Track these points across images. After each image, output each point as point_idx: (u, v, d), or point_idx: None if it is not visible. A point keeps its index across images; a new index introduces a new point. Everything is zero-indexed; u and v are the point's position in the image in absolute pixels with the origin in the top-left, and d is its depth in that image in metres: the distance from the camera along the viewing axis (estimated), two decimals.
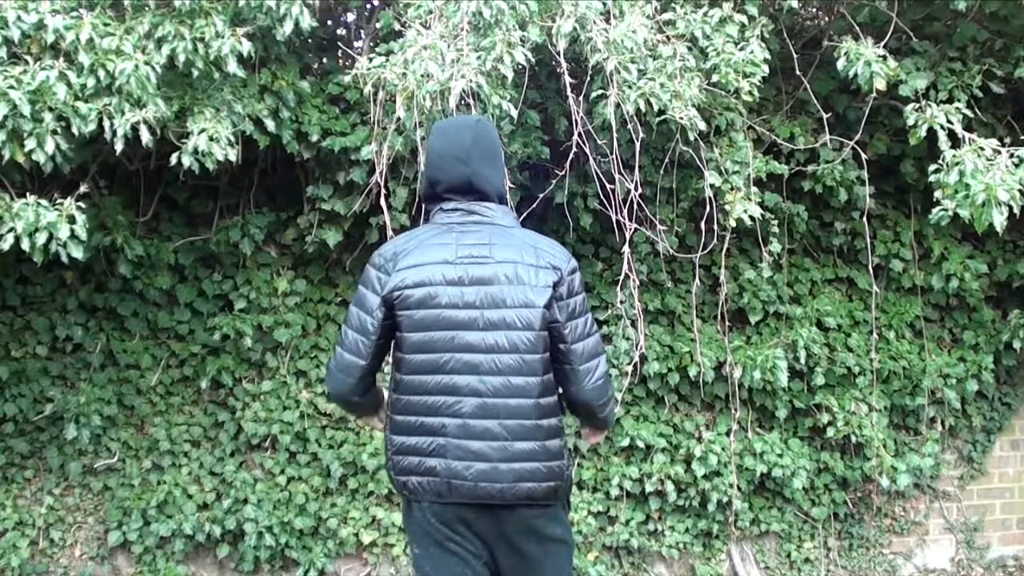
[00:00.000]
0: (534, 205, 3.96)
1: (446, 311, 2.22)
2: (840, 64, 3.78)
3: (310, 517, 4.41)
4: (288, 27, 3.39)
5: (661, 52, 3.58)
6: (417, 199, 3.74)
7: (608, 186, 3.66)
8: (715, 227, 3.98)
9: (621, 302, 4.26)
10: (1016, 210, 3.45)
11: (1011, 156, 3.53)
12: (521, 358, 2.22)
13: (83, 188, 3.43)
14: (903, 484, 4.64)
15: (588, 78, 3.59)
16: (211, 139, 3.35)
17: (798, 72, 4.09)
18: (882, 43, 3.85)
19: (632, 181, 3.60)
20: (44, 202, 3.20)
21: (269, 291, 4.46)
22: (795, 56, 4.04)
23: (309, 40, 4.09)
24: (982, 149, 3.58)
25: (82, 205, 3.28)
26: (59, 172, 3.40)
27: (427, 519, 2.27)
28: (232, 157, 3.43)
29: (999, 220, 3.42)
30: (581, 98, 3.51)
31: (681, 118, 3.53)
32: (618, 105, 3.44)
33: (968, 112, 3.84)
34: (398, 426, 2.30)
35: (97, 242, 4.03)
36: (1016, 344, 4.73)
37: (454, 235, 2.27)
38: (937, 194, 3.65)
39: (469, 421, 2.21)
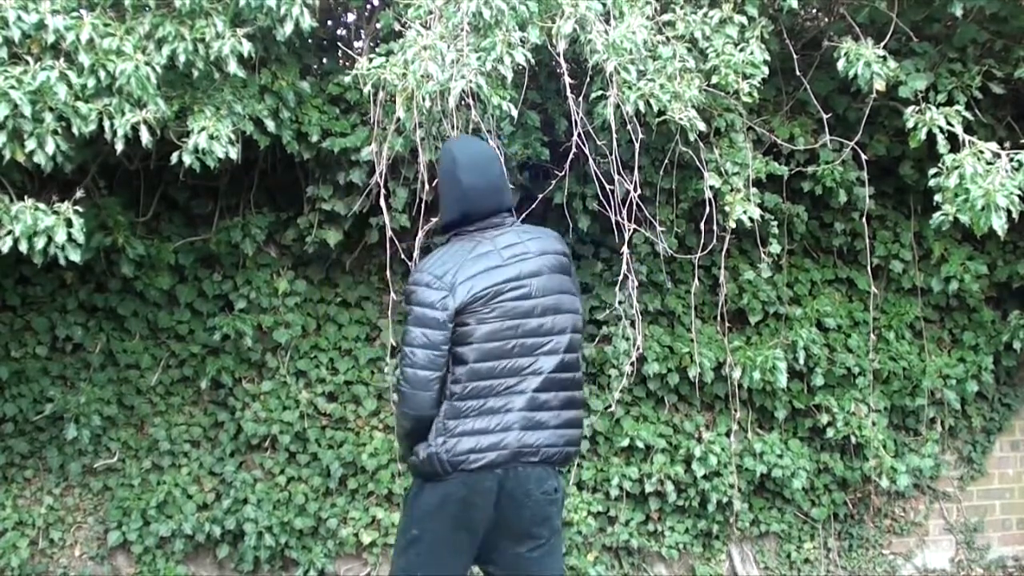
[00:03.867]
0: (533, 205, 3.95)
1: (511, 304, 2.56)
2: (840, 65, 3.78)
3: (310, 517, 4.41)
4: (288, 27, 3.39)
5: (661, 53, 3.57)
6: (419, 204, 3.74)
7: (607, 187, 3.66)
8: (715, 228, 3.98)
9: (620, 302, 4.26)
10: (1015, 215, 3.45)
11: (1011, 160, 3.53)
12: (569, 338, 2.65)
13: (79, 192, 3.43)
14: (903, 485, 4.64)
15: (588, 79, 3.59)
16: (211, 137, 3.35)
17: (798, 73, 4.09)
18: (882, 44, 3.85)
19: (632, 182, 3.60)
20: (42, 205, 3.20)
21: (269, 291, 4.46)
22: (795, 57, 4.04)
23: (309, 40, 4.09)
24: (981, 152, 3.57)
25: (79, 208, 3.28)
26: (59, 172, 3.40)
27: (459, 492, 2.55)
28: (233, 155, 3.43)
29: (998, 225, 3.42)
30: (581, 99, 3.51)
31: (681, 119, 3.53)
32: (618, 106, 3.44)
33: (968, 114, 3.84)
34: (459, 412, 2.55)
35: (97, 242, 4.04)
36: (1016, 345, 4.73)
37: (488, 242, 2.63)
38: (937, 198, 3.65)
39: (535, 395, 2.58)
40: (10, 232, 3.15)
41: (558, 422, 2.62)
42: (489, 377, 2.55)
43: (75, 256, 3.21)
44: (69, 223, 3.21)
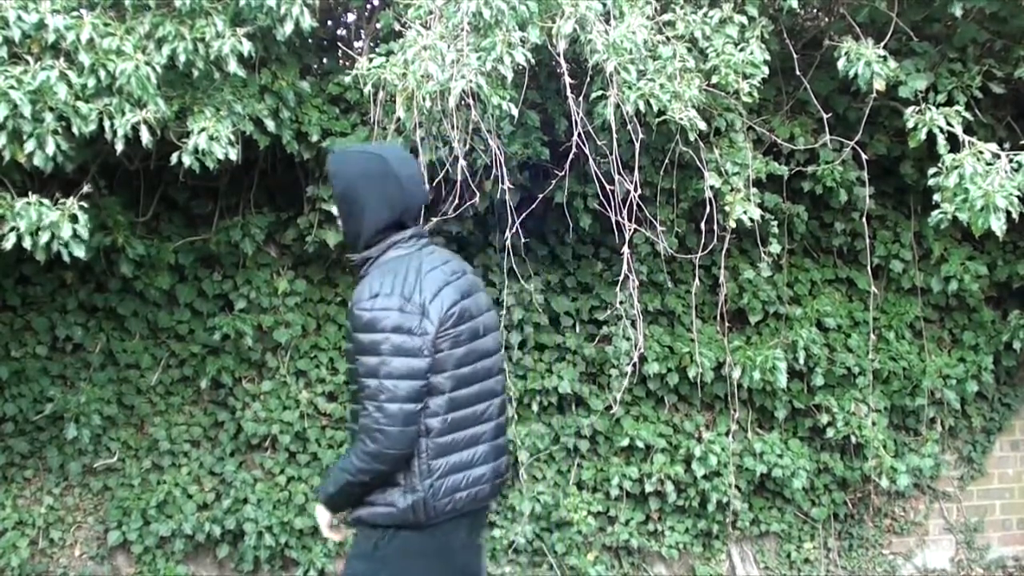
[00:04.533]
0: (534, 205, 3.96)
1: (469, 324, 2.38)
2: (840, 64, 3.78)
3: (310, 517, 4.40)
4: (288, 27, 3.39)
5: (661, 53, 3.57)
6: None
7: (608, 187, 3.65)
8: (715, 228, 3.97)
9: (621, 302, 4.26)
10: (1015, 215, 3.45)
11: (1010, 161, 3.53)
12: (499, 356, 2.52)
13: (86, 187, 3.43)
14: (903, 485, 4.64)
15: (588, 79, 3.58)
16: (211, 138, 3.35)
17: (798, 73, 4.09)
18: (882, 44, 3.85)
19: (632, 182, 3.60)
20: (46, 201, 3.20)
21: (269, 291, 4.46)
22: (795, 57, 4.03)
23: (309, 40, 4.09)
24: (981, 153, 3.57)
25: (84, 204, 3.29)
26: (60, 172, 3.40)
27: (451, 537, 2.38)
28: (232, 156, 3.43)
29: (997, 225, 3.42)
30: (581, 99, 3.51)
31: (681, 119, 3.53)
32: (618, 106, 3.44)
33: (968, 114, 3.84)
34: (443, 448, 2.34)
35: (97, 242, 4.03)
36: (1016, 345, 4.73)
37: (428, 257, 2.42)
38: (936, 197, 3.65)
39: (495, 422, 2.46)
40: (14, 228, 3.15)
41: (504, 448, 2.51)
42: (466, 406, 2.37)
43: (80, 252, 3.21)
44: (74, 219, 3.21)
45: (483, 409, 2.40)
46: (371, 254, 2.38)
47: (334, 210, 4.15)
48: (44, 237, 3.16)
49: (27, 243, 3.15)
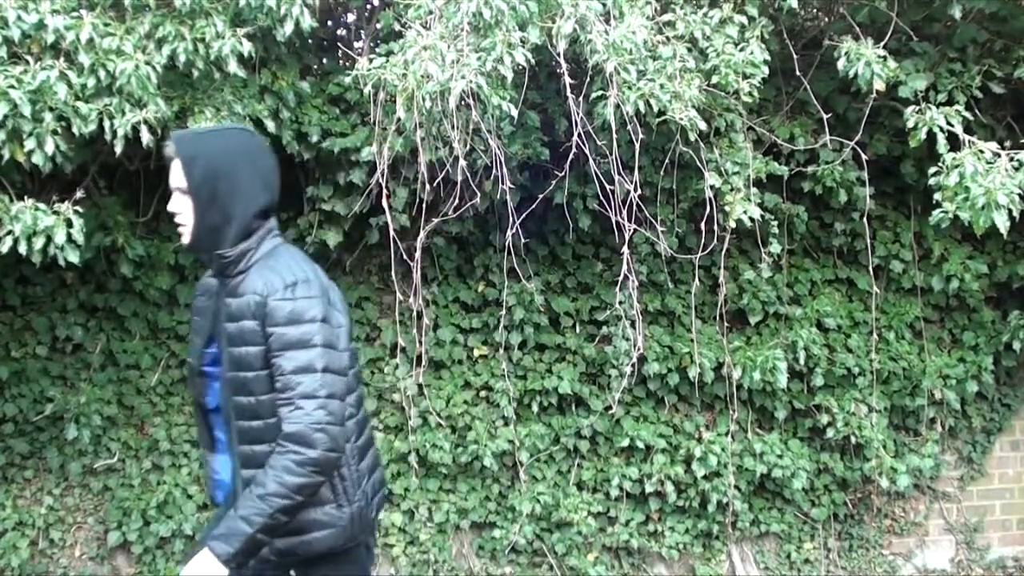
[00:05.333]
0: (534, 205, 3.96)
1: (346, 320, 2.22)
2: (840, 64, 3.78)
3: None
4: (288, 27, 3.39)
5: (661, 53, 3.58)
6: (419, 204, 3.74)
7: (608, 187, 3.66)
8: (715, 228, 3.98)
9: (620, 303, 4.26)
10: (1016, 213, 3.45)
11: (1011, 160, 3.53)
12: None
13: (79, 192, 3.43)
14: (903, 485, 4.64)
15: (588, 79, 3.59)
16: None
17: (798, 73, 4.09)
18: (882, 44, 3.85)
19: (632, 182, 3.60)
20: (42, 206, 3.20)
21: None
22: (795, 57, 4.04)
23: (309, 40, 4.09)
24: (982, 152, 3.57)
25: (79, 209, 3.28)
26: (59, 172, 3.40)
27: (371, 553, 2.27)
28: None
29: (1001, 222, 3.42)
30: (581, 99, 3.51)
31: (681, 119, 3.53)
32: (618, 106, 3.44)
33: (968, 114, 3.84)
34: (361, 451, 2.20)
35: (97, 242, 4.04)
36: (1016, 345, 4.73)
37: (296, 249, 2.24)
38: (937, 196, 3.65)
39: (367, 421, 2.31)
40: (10, 232, 3.15)
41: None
42: (360, 406, 2.23)
43: (74, 257, 3.21)
44: (69, 223, 3.22)
45: (365, 411, 2.28)
46: (250, 245, 2.10)
47: (339, 209, 4.19)
48: (39, 242, 3.16)
49: (22, 247, 3.15)
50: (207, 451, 2.30)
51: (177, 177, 2.06)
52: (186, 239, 2.12)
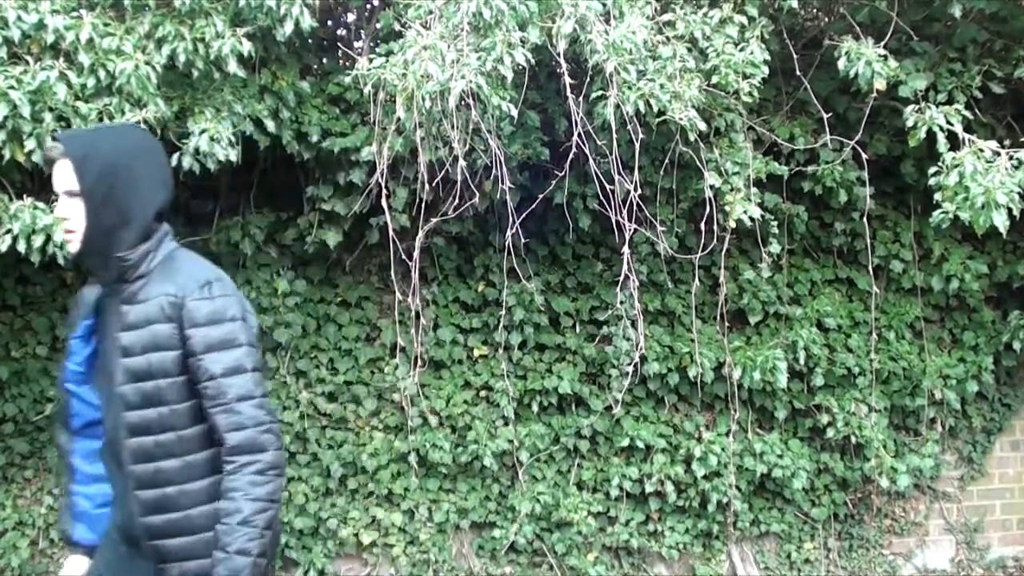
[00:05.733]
0: (534, 205, 3.96)
1: None
2: (841, 64, 3.78)
3: (310, 517, 4.41)
4: (288, 27, 3.39)
5: (661, 53, 3.58)
6: (419, 204, 3.74)
7: (608, 187, 3.65)
8: (715, 228, 3.97)
9: (621, 303, 4.26)
10: (1016, 212, 3.45)
11: (1011, 159, 3.53)
12: None
13: None
14: (903, 485, 4.64)
15: (588, 79, 3.59)
16: (212, 139, 3.35)
17: (798, 72, 4.09)
18: (882, 43, 3.85)
19: (632, 182, 3.60)
20: (41, 204, 3.20)
21: (269, 291, 4.45)
22: (795, 56, 4.03)
23: (309, 40, 4.09)
24: (981, 151, 3.57)
25: None
26: None
27: None
28: (233, 157, 3.43)
29: (1000, 221, 3.42)
30: (581, 99, 3.51)
31: (681, 119, 3.53)
32: (618, 106, 3.44)
33: (967, 113, 3.84)
34: None
35: None
36: (1016, 345, 4.72)
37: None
38: (937, 196, 3.65)
39: None
40: (9, 231, 3.15)
41: None
42: None
43: None
44: None
45: None
46: (150, 248, 1.95)
47: (339, 209, 4.17)
48: (38, 240, 3.16)
49: (21, 246, 3.15)
50: (68, 481, 2.13)
51: (66, 179, 1.90)
52: (74, 246, 1.93)
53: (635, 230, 3.79)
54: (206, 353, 1.86)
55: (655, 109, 3.48)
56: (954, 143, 3.70)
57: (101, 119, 3.21)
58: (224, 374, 1.86)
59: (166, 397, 1.88)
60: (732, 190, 3.98)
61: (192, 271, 1.94)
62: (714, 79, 3.67)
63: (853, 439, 4.60)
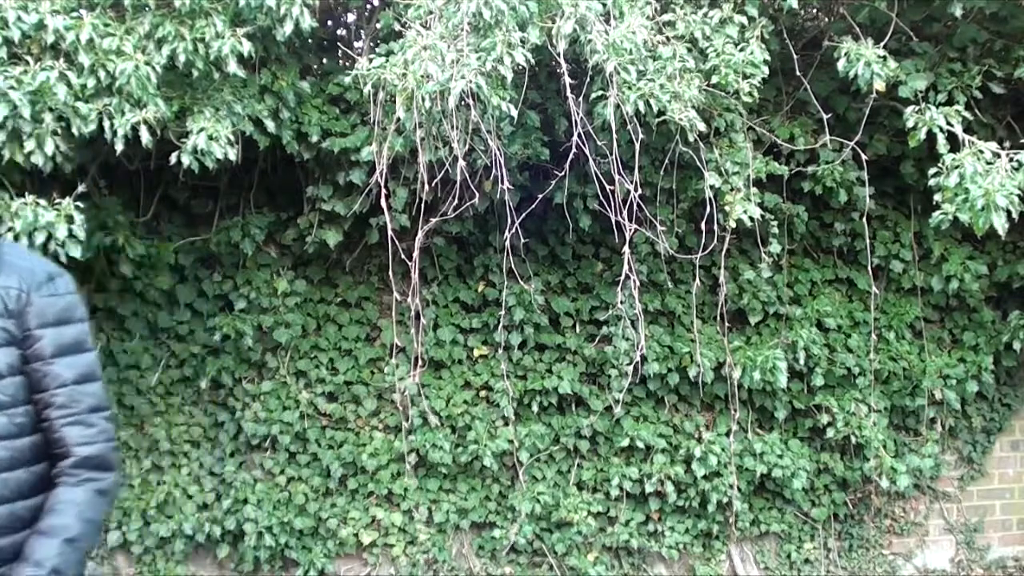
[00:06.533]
0: (534, 205, 3.96)
1: None
2: (840, 64, 3.78)
3: (310, 517, 4.41)
4: (288, 27, 3.39)
5: (661, 53, 3.57)
6: (419, 204, 3.74)
7: (608, 187, 3.65)
8: (715, 228, 3.98)
9: (621, 303, 4.25)
10: (1015, 214, 3.45)
11: (1011, 160, 3.52)
12: None
13: (81, 188, 3.43)
14: (903, 485, 4.64)
15: (588, 79, 3.58)
16: (211, 138, 3.35)
17: (798, 73, 4.09)
18: (882, 44, 3.85)
19: (632, 182, 3.60)
20: (43, 202, 3.21)
21: (269, 291, 4.46)
22: (795, 57, 4.03)
23: (309, 40, 4.09)
24: (981, 152, 3.57)
25: (80, 205, 3.29)
26: (59, 172, 3.40)
27: None
28: (232, 156, 3.43)
29: (999, 224, 3.42)
30: (581, 99, 3.51)
31: (681, 119, 3.53)
32: (618, 106, 3.44)
33: (967, 114, 3.84)
34: None
35: (97, 242, 4.03)
36: (1016, 345, 4.73)
37: None
38: (937, 197, 3.65)
39: None
40: (11, 228, 3.15)
41: None
42: None
43: (76, 252, 3.21)
44: (70, 219, 3.22)
45: None
46: None
47: (339, 209, 4.17)
48: (40, 237, 3.16)
49: (23, 243, 3.15)
50: None
51: None
52: None
53: (635, 230, 3.78)
54: (57, 356, 1.68)
55: (655, 109, 3.48)
56: (954, 144, 3.70)
57: (101, 119, 3.21)
58: (76, 381, 1.69)
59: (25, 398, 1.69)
60: (732, 190, 3.98)
61: (32, 263, 1.75)
62: (714, 79, 3.67)
63: (853, 439, 4.60)
